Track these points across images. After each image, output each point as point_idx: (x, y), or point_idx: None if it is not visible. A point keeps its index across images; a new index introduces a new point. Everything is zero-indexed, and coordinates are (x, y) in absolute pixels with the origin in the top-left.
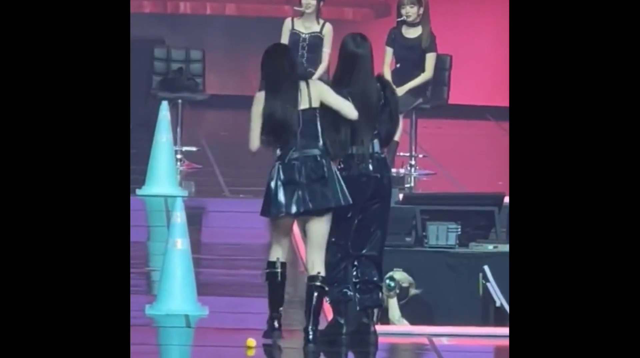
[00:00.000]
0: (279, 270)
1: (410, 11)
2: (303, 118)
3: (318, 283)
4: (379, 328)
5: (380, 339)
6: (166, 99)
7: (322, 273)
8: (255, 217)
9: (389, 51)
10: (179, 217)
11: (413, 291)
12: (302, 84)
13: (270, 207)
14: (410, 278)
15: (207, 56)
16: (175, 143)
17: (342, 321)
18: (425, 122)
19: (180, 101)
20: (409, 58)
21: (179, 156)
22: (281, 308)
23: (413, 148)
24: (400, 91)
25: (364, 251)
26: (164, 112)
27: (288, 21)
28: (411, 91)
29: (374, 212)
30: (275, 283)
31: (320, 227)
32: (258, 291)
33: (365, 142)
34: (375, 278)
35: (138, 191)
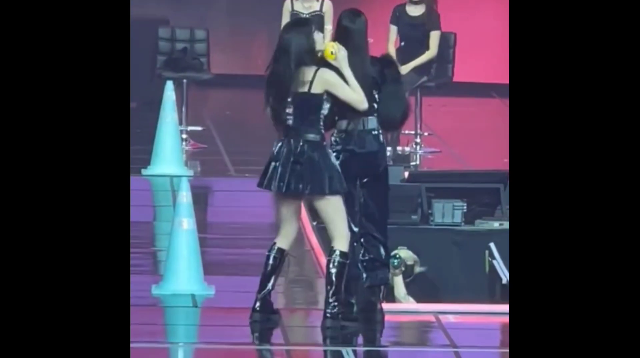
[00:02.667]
0: (272, 255)
1: None
2: (297, 102)
3: (332, 257)
4: (386, 306)
5: (387, 317)
6: (171, 79)
7: (340, 248)
8: (261, 196)
9: (393, 29)
10: (185, 197)
11: (418, 269)
12: (308, 69)
13: (259, 179)
14: (414, 256)
15: (211, 35)
16: (180, 123)
17: (352, 300)
18: (430, 100)
19: (185, 80)
20: (414, 36)
21: (184, 136)
22: (264, 291)
23: (418, 125)
24: (405, 69)
25: (368, 229)
26: (169, 92)
27: (287, 3)
28: (416, 69)
29: (370, 190)
30: (265, 266)
31: (322, 207)
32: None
33: (352, 117)
34: (381, 256)
35: (143, 171)
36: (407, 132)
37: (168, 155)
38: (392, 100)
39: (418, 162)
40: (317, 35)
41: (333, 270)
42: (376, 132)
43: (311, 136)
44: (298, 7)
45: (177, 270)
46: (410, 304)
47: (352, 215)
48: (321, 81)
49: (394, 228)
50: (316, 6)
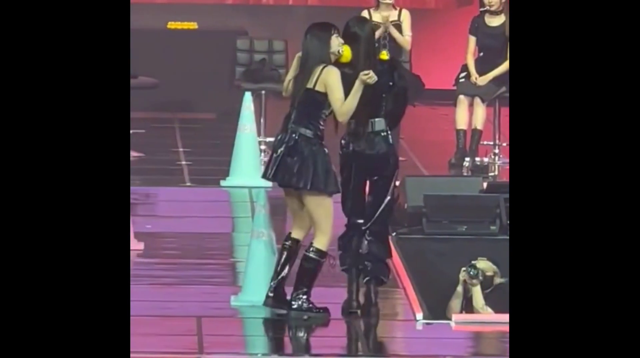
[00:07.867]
0: (285, 244)
1: None
2: (302, 97)
3: (308, 253)
4: (462, 316)
5: (464, 327)
6: (249, 90)
7: (318, 245)
8: (338, 207)
9: (472, 39)
10: (263, 208)
11: (498, 280)
12: (318, 67)
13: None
14: (494, 267)
15: (289, 46)
16: (258, 134)
17: (372, 296)
18: (508, 111)
19: (263, 91)
20: (492, 46)
21: (262, 147)
22: (278, 279)
23: (497, 136)
24: (484, 79)
25: (369, 225)
26: (248, 103)
27: (365, 13)
28: (494, 80)
29: (376, 188)
30: (279, 255)
31: (306, 202)
32: (338, 280)
33: (360, 119)
34: (380, 253)
35: (222, 183)
36: (485, 143)
37: (246, 166)
38: (398, 98)
39: (496, 173)
40: (334, 39)
41: (307, 266)
42: (385, 133)
43: (308, 132)
44: (376, 17)
45: (256, 281)
46: (486, 315)
47: (358, 209)
48: (323, 79)
49: (472, 239)
50: (394, 15)
